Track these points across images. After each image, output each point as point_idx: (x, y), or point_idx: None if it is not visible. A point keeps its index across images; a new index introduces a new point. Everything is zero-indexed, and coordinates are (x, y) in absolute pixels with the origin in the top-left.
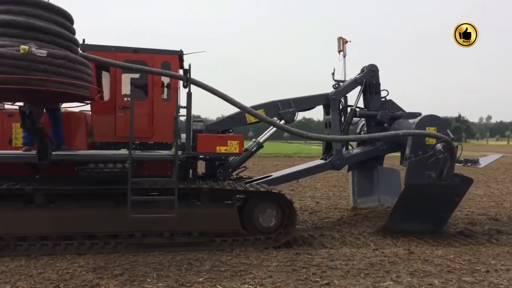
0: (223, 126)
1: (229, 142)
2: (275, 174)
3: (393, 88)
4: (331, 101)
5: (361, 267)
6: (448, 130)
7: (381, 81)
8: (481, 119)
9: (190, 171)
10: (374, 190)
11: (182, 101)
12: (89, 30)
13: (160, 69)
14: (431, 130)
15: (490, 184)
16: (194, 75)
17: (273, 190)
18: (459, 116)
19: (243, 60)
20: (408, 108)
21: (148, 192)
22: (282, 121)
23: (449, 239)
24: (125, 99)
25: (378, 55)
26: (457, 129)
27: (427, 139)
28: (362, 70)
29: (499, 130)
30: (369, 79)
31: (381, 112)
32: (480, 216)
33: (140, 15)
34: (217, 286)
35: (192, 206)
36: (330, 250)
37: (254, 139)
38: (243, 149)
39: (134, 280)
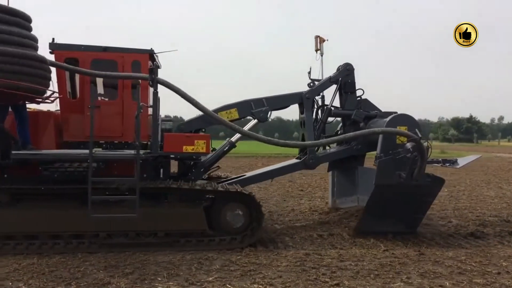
0: (195, 126)
1: (196, 141)
2: (248, 174)
3: (404, 88)
4: (304, 100)
5: (371, 268)
6: (417, 130)
7: (395, 80)
8: (492, 119)
9: (161, 170)
10: (353, 191)
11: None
12: (103, 27)
13: (125, 73)
14: (402, 129)
15: (502, 185)
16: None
17: (238, 190)
18: (471, 116)
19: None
20: (419, 110)
21: (117, 191)
22: (255, 120)
23: (460, 241)
24: (99, 98)
25: (387, 54)
26: (468, 129)
27: (398, 138)
28: (338, 69)
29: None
30: (344, 78)
31: (356, 111)
32: (492, 217)
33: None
34: (227, 285)
35: (158, 206)
36: (339, 250)
37: (228, 138)
38: (211, 148)
39: (144, 279)
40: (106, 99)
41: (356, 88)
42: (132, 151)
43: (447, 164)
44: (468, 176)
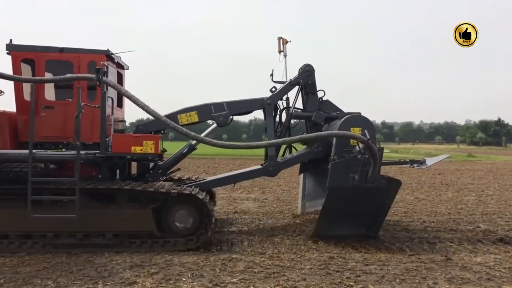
0: (154, 127)
1: (144, 142)
2: (210, 178)
3: (428, 90)
4: (266, 106)
5: (396, 272)
6: (366, 131)
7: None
8: None
9: (118, 171)
10: (323, 194)
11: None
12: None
13: (69, 75)
14: (356, 130)
15: None
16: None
17: (180, 192)
18: (499, 119)
19: None
20: (444, 112)
21: (66, 192)
22: (215, 125)
23: (489, 246)
24: (48, 98)
25: (410, 54)
26: (497, 132)
27: (352, 140)
28: (299, 71)
29: None
30: (305, 80)
31: (316, 113)
32: None
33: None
34: (251, 287)
35: (107, 207)
36: (364, 254)
37: (189, 141)
38: (161, 149)
39: (169, 279)
40: (61, 100)
41: (317, 89)
42: (67, 152)
43: (415, 165)
44: (496, 181)
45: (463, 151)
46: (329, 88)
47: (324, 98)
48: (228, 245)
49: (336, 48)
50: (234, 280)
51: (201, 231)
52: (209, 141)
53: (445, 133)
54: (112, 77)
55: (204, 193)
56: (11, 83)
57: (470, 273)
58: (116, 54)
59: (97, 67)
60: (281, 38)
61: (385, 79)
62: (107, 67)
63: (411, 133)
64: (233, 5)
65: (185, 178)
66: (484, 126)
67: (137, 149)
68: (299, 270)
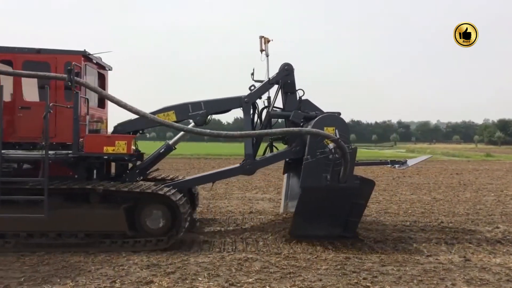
0: (133, 127)
1: (116, 142)
2: (188, 177)
3: (445, 89)
4: (243, 104)
5: (414, 273)
6: (336, 130)
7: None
8: None
9: (95, 171)
10: None
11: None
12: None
13: (42, 73)
14: (329, 130)
15: None
16: None
17: (158, 192)
18: None
19: None
20: (462, 111)
21: (41, 192)
22: (193, 123)
23: (508, 247)
24: (30, 99)
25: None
26: None
27: (325, 140)
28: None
29: None
30: (284, 79)
31: (294, 112)
32: None
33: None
34: (267, 287)
35: (79, 206)
36: (381, 255)
37: (167, 141)
38: (133, 149)
39: (186, 279)
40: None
41: (297, 88)
42: (35, 152)
43: (397, 166)
44: None
45: (481, 150)
46: (340, 87)
47: (304, 97)
48: (244, 245)
49: (346, 47)
50: (250, 280)
51: (173, 232)
52: (199, 131)
53: (463, 132)
54: (91, 78)
55: (177, 193)
56: None
57: (489, 275)
58: (95, 55)
59: (69, 67)
60: (263, 37)
61: (400, 78)
62: (80, 67)
63: (428, 132)
64: (234, 6)
65: (169, 178)
66: (502, 125)
67: (109, 149)
68: (315, 270)
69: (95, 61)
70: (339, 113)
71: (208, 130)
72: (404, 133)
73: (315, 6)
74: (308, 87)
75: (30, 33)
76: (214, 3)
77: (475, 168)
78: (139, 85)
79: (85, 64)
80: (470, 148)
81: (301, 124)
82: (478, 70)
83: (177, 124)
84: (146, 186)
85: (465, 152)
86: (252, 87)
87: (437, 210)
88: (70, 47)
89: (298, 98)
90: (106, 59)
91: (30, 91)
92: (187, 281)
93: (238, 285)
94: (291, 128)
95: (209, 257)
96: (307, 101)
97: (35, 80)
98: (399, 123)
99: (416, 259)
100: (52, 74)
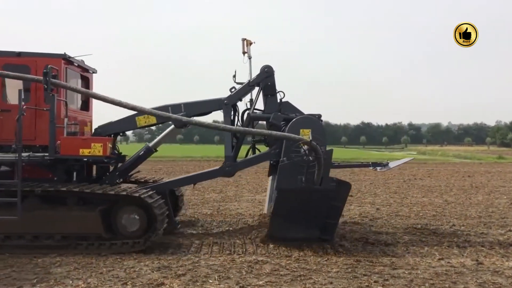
0: (112, 130)
1: (92, 144)
2: (169, 179)
3: (456, 90)
4: (223, 107)
5: (425, 276)
6: (309, 132)
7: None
8: None
9: (74, 174)
10: None
11: None
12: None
13: (17, 74)
14: (305, 132)
15: None
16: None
17: (133, 194)
18: None
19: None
20: (473, 113)
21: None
22: (172, 126)
23: None
24: (8, 102)
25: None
26: None
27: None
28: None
29: None
30: (264, 81)
31: (273, 114)
32: None
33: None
34: None
35: (56, 209)
36: (392, 258)
37: (147, 143)
38: (113, 152)
39: (196, 281)
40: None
41: (277, 90)
42: (8, 155)
43: (378, 168)
44: None
45: (494, 152)
46: (351, 89)
47: (284, 99)
48: (254, 247)
49: (357, 48)
50: (261, 282)
51: (149, 234)
52: (196, 121)
53: (475, 134)
54: (73, 81)
55: (152, 195)
56: None
57: (502, 278)
58: (76, 58)
59: (45, 70)
60: (245, 39)
61: (410, 79)
62: (57, 70)
63: (439, 134)
64: (250, 8)
65: (151, 180)
66: None
67: (85, 152)
68: (325, 273)
69: (76, 64)
70: (320, 116)
71: (208, 122)
72: (415, 135)
73: (318, 6)
74: (315, 88)
75: (39, 34)
76: (218, 4)
77: (487, 170)
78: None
79: (66, 67)
80: (482, 150)
81: (282, 126)
82: (490, 71)
83: (175, 116)
84: (121, 189)
85: (477, 154)
86: (233, 89)
87: (449, 213)
88: (72, 48)
89: (279, 100)
90: (117, 62)
91: (14, 94)
92: (198, 283)
93: (249, 287)
94: (261, 130)
95: (219, 259)
96: (287, 103)
97: (20, 82)
98: (410, 125)
99: (428, 262)
100: (29, 76)
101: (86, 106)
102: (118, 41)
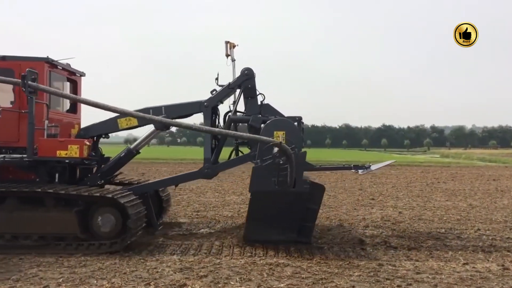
0: (95, 132)
1: (69, 146)
2: (152, 180)
3: (478, 91)
4: (203, 109)
5: (450, 281)
6: (280, 134)
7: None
8: None
9: (57, 175)
10: None
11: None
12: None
13: None
14: (279, 134)
15: None
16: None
17: (106, 195)
18: None
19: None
20: (497, 115)
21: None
22: (153, 128)
23: None
24: (3, 105)
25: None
26: None
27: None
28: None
29: None
30: (244, 83)
31: (253, 116)
32: None
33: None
34: None
35: (34, 209)
36: (415, 262)
37: (128, 145)
38: (88, 153)
39: (218, 282)
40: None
41: (258, 93)
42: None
43: (361, 171)
44: None
45: None
46: (370, 91)
47: (265, 102)
48: (275, 250)
49: (378, 49)
50: (282, 285)
51: (125, 235)
52: (177, 123)
53: (500, 137)
54: (58, 84)
55: (127, 196)
56: None
57: None
58: (61, 61)
59: (22, 73)
60: (229, 42)
61: (432, 81)
62: (37, 73)
63: (463, 137)
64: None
65: (135, 182)
66: None
67: (62, 153)
68: (347, 276)
69: (61, 67)
70: (300, 118)
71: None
72: (437, 138)
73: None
74: (334, 90)
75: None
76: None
77: None
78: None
79: (49, 70)
80: (507, 154)
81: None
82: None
83: (158, 118)
84: (95, 190)
85: (502, 157)
86: (214, 92)
87: (474, 217)
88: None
89: (259, 102)
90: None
91: (3, 97)
92: (219, 285)
93: None
94: (233, 132)
95: (240, 261)
96: (267, 105)
97: (9, 87)
98: (433, 127)
99: (452, 267)
100: (7, 79)
101: (74, 108)
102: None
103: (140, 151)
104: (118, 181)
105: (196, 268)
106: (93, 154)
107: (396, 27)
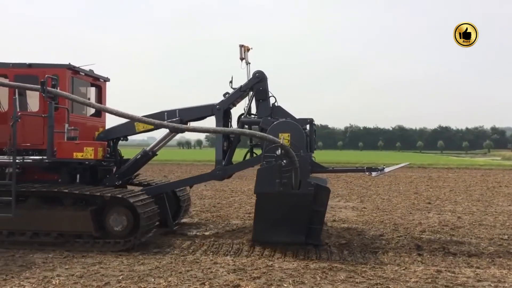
0: (113, 134)
1: (85, 148)
2: (166, 181)
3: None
4: (215, 112)
5: None
6: (280, 135)
7: None
8: None
9: (78, 176)
10: None
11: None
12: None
13: (15, 83)
14: (284, 136)
15: None
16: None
17: (117, 195)
18: None
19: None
20: None
21: (24, 193)
22: (167, 131)
23: None
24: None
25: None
26: None
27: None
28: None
29: None
30: (256, 86)
31: (263, 119)
32: None
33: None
34: None
35: (53, 208)
36: (476, 269)
37: (144, 147)
38: (103, 155)
39: (271, 284)
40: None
41: (270, 95)
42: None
43: (374, 173)
44: None
45: None
46: (426, 91)
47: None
48: (328, 253)
49: (429, 47)
50: None
51: (138, 233)
52: (187, 127)
53: None
54: (82, 89)
55: (138, 196)
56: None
57: None
58: (83, 67)
59: (42, 80)
60: (243, 45)
61: (494, 80)
62: (55, 79)
63: None
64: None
65: (153, 183)
66: None
67: (78, 155)
68: (403, 282)
69: (83, 73)
70: (312, 120)
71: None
72: (498, 139)
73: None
74: (389, 92)
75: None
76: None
77: None
78: None
79: (72, 76)
80: None
81: None
82: None
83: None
84: (107, 190)
85: None
86: (227, 95)
87: None
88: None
89: (270, 105)
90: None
91: (33, 102)
92: (272, 287)
93: None
94: (237, 129)
95: (293, 264)
96: (279, 107)
97: (37, 92)
98: (493, 129)
99: None
100: (28, 85)
101: (98, 112)
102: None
103: (157, 153)
104: (138, 182)
105: (249, 270)
106: (107, 156)
107: (450, 24)
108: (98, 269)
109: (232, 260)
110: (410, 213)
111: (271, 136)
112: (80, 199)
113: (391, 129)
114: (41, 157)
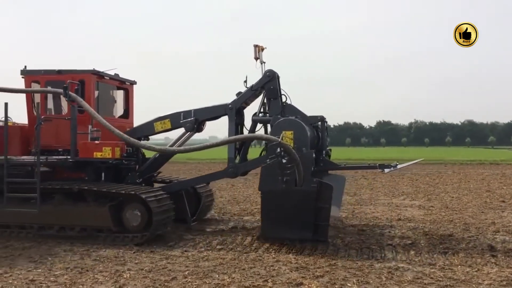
0: (135, 134)
1: (103, 148)
2: (180, 179)
3: None
4: (227, 111)
5: None
6: (282, 133)
7: None
8: None
9: (103, 174)
10: None
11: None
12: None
13: (41, 88)
14: (288, 133)
15: None
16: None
17: (130, 192)
18: None
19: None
20: None
21: (49, 191)
22: (183, 130)
23: None
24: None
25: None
26: None
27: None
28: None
29: None
30: (267, 85)
31: (273, 117)
32: None
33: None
34: None
35: (76, 204)
36: None
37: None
38: (121, 155)
39: (335, 283)
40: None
41: (281, 93)
42: (27, 157)
43: (387, 170)
44: None
45: None
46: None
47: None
48: (393, 253)
49: (498, 36)
50: None
51: (152, 228)
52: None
53: None
54: (106, 92)
55: (152, 192)
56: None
57: None
58: (108, 71)
59: (64, 85)
60: (257, 45)
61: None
62: (78, 84)
63: None
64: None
65: (175, 180)
66: None
67: (97, 154)
68: (476, 285)
69: (108, 77)
70: (323, 117)
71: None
72: None
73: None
74: (455, 83)
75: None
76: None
77: None
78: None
79: (97, 81)
80: None
81: None
82: None
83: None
84: (122, 187)
85: None
86: (239, 94)
87: None
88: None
89: (281, 103)
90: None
91: (60, 105)
92: (336, 286)
93: None
94: (232, 136)
95: (357, 263)
96: (290, 106)
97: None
98: None
99: None
100: (52, 89)
101: (126, 114)
102: None
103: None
104: (160, 179)
105: (312, 268)
106: (125, 155)
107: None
108: (165, 264)
109: (295, 258)
110: (482, 212)
111: (266, 135)
112: (100, 196)
113: (459, 124)
114: (65, 157)
